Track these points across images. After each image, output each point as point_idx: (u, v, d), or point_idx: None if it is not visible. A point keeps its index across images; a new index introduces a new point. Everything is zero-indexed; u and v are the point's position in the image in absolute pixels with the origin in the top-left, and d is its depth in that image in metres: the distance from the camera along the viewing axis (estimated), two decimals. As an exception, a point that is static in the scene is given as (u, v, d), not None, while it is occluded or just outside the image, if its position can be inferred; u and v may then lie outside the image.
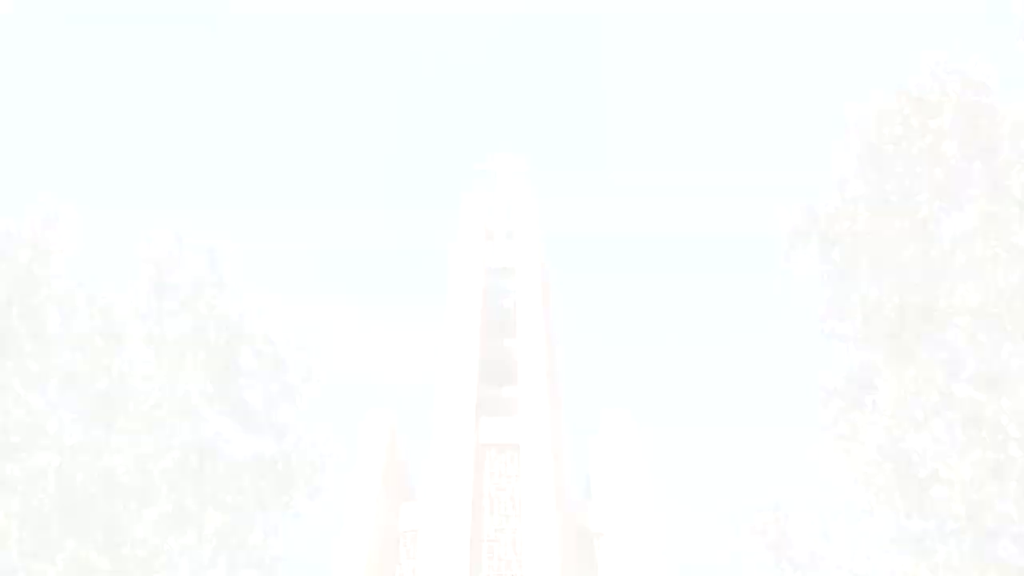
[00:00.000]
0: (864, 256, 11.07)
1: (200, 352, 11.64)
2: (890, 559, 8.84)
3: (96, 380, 9.05)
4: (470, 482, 23.25)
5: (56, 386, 8.93)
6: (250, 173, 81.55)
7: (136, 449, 8.59)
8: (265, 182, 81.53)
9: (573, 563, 23.75)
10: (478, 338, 27.45)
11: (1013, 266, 8.54)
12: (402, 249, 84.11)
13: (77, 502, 8.20)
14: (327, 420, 12.67)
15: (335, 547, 23.62)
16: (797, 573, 9.11)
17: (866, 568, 8.92)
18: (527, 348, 26.93)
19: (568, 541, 23.56)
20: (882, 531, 9.41)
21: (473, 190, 33.10)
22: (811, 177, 12.82)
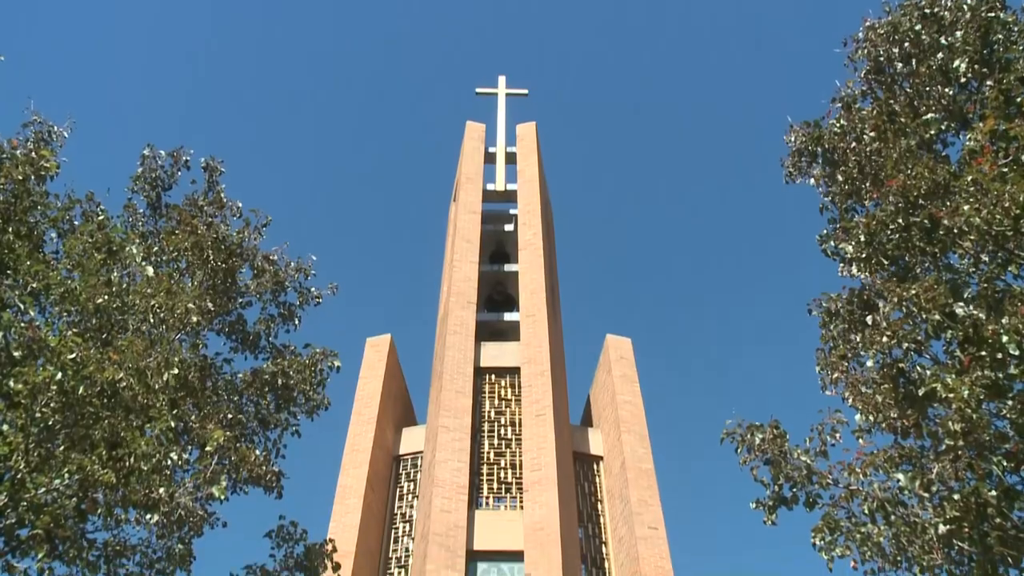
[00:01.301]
0: (869, 177, 10.96)
1: (199, 272, 11.62)
2: (885, 476, 8.93)
3: (95, 296, 9.01)
4: (469, 405, 23.48)
5: (55, 302, 8.90)
6: (250, 98, 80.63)
7: (137, 364, 8.59)
8: (267, 108, 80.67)
9: (573, 487, 24.14)
10: (478, 262, 27.49)
11: (1022, 185, 8.44)
12: (404, 176, 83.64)
13: (80, 416, 8.23)
14: (326, 343, 12.73)
15: (336, 467, 23.98)
16: (794, 489, 9.23)
17: (862, 484, 9.02)
18: (527, 273, 26.96)
19: (567, 465, 23.91)
20: (879, 450, 9.50)
21: (475, 115, 32.81)
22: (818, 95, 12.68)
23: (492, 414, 24.58)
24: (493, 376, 25.39)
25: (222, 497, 9.36)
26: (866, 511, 8.92)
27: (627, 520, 22.75)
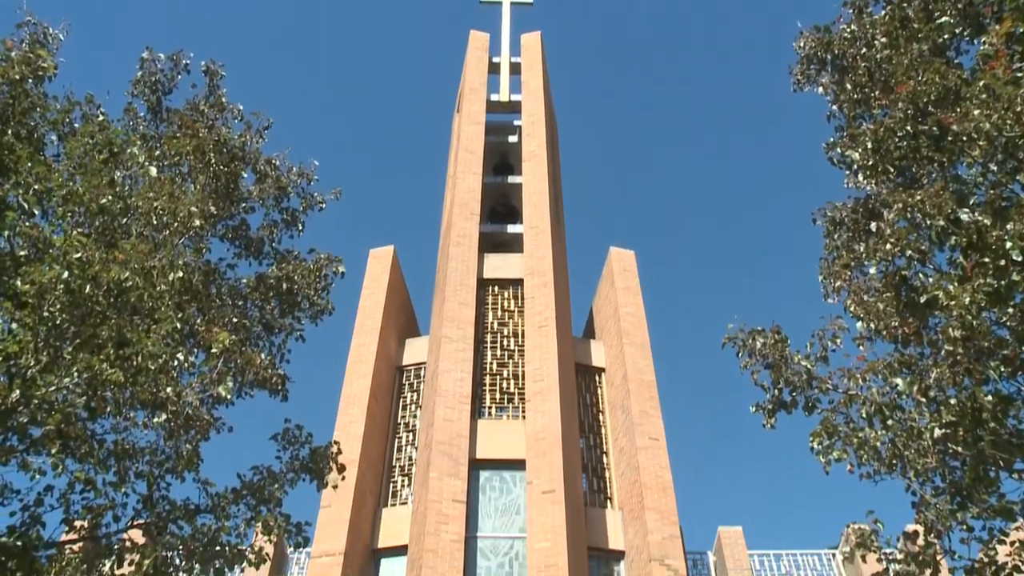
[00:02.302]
0: (879, 84, 10.81)
1: (200, 176, 11.58)
2: (884, 382, 9.03)
3: (98, 197, 8.99)
4: (472, 317, 23.61)
5: (58, 203, 8.89)
6: (251, 5, 79.13)
7: (142, 264, 8.63)
8: (268, 15, 79.25)
9: (574, 398, 24.44)
10: (482, 174, 27.35)
11: (1034, 89, 8.33)
12: (407, 86, 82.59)
13: (87, 315, 8.30)
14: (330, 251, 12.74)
15: (340, 379, 24.26)
16: (794, 393, 9.35)
17: (860, 390, 9.12)
18: (531, 184, 26.84)
19: (569, 376, 24.16)
20: (879, 358, 9.59)
21: (479, 24, 32.17)
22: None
23: (495, 325, 24.75)
24: (496, 288, 25.49)
25: (228, 397, 9.50)
26: (864, 415, 9.05)
27: (628, 431, 23.10)
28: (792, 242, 72.36)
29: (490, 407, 23.05)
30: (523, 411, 22.43)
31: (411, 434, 24.43)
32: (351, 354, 24.65)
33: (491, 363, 23.96)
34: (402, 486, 23.41)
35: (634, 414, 23.01)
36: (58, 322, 8.15)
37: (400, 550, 21.50)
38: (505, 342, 24.37)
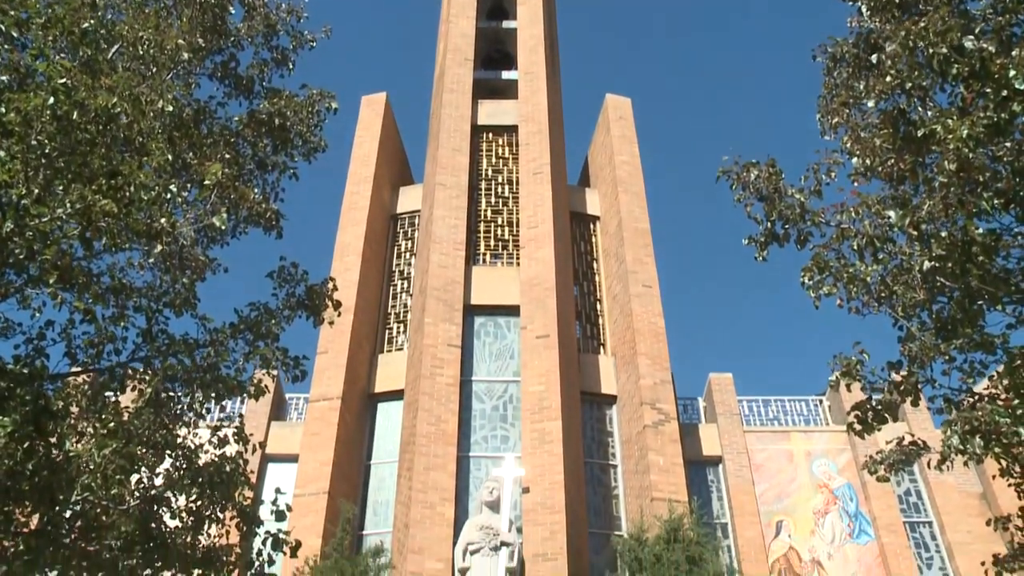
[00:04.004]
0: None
1: (186, 8, 11.24)
2: (877, 217, 9.05)
3: (79, 20, 8.71)
4: (466, 163, 23.46)
5: (39, 28, 8.61)
6: None
7: (131, 90, 8.45)
8: None
9: (569, 245, 24.55)
10: (475, 18, 26.63)
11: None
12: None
13: (76, 143, 8.19)
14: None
15: (334, 229, 24.28)
16: (787, 226, 9.38)
17: (853, 223, 9.15)
18: (526, 28, 26.16)
19: (563, 224, 24.20)
20: (874, 194, 9.58)
21: None
22: None
23: (489, 172, 24.62)
24: (490, 134, 25.22)
25: (223, 227, 9.49)
26: (855, 248, 9.11)
27: (622, 278, 23.33)
28: (792, 95, 71.23)
29: (484, 254, 23.18)
30: (517, 258, 22.58)
31: (406, 281, 24.66)
32: (345, 202, 24.61)
33: (485, 210, 23.96)
34: (398, 332, 23.79)
35: (628, 261, 23.19)
36: (47, 151, 8.04)
37: (396, 394, 22.06)
38: (499, 189, 24.30)
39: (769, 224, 9.44)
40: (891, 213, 8.74)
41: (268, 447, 22.10)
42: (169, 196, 9.01)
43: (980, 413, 8.65)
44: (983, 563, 12.24)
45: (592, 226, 26.11)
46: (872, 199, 9.39)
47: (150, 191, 8.72)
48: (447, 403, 19.39)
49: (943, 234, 8.56)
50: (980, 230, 8.48)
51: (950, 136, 8.36)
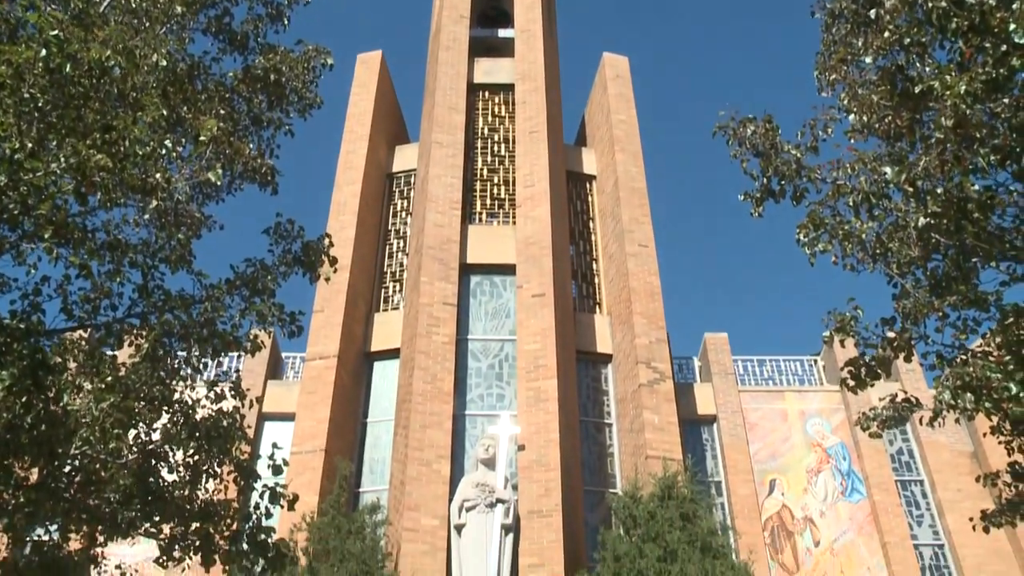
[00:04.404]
0: None
1: (179, -39, 11.09)
2: (873, 173, 9.03)
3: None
4: (462, 122, 23.34)
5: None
6: None
7: (124, 43, 8.37)
8: None
9: (565, 204, 24.51)
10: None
11: None
12: None
13: (70, 97, 8.14)
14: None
15: (330, 189, 24.21)
16: (783, 182, 9.37)
17: (849, 180, 9.15)
18: (523, -15, 25.87)
19: (560, 183, 24.14)
20: (871, 149, 9.57)
21: None
22: None
23: (485, 131, 24.51)
24: (487, 93, 25.07)
25: (218, 182, 9.47)
26: (851, 204, 9.11)
27: (618, 238, 23.32)
28: (789, 52, 70.74)
29: (480, 213, 23.16)
30: (513, 217, 22.56)
31: (402, 241, 24.65)
32: (340, 160, 24.51)
33: (481, 169, 23.89)
34: (394, 292, 23.82)
35: (624, 221, 23.18)
36: (40, 104, 7.99)
37: (393, 353, 22.13)
38: (496, 148, 24.21)
39: (765, 180, 9.42)
40: (887, 169, 8.73)
41: (265, 406, 22.19)
42: (164, 151, 8.98)
43: (972, 369, 8.71)
44: (971, 519, 12.41)
45: (588, 185, 26.05)
46: (869, 156, 9.37)
47: (145, 146, 8.69)
48: (443, 361, 19.47)
49: (939, 191, 8.56)
50: (976, 187, 8.49)
51: (948, 92, 8.33)
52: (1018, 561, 20.90)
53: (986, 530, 11.53)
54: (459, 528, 17.33)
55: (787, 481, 22.75)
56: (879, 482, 22.31)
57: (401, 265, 24.12)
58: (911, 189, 8.66)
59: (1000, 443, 10.85)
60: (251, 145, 10.55)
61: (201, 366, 10.25)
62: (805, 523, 22.06)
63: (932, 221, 8.68)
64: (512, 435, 18.31)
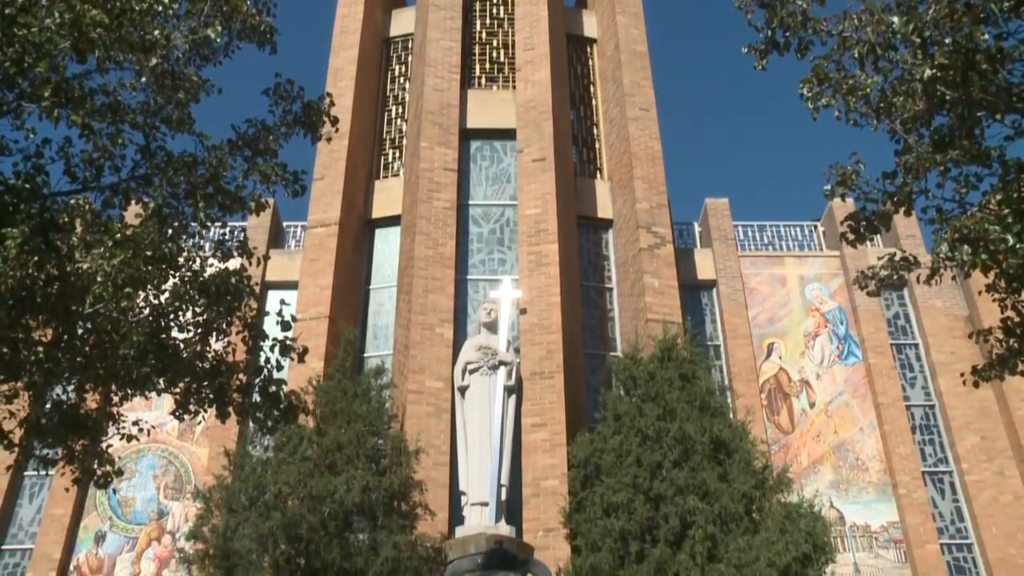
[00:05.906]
0: None
1: None
2: (880, 23, 8.88)
3: None
4: (461, -16, 22.71)
5: None
6: None
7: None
8: None
9: (565, 68, 24.08)
10: None
11: None
12: None
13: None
14: None
15: (327, 56, 23.78)
16: (788, 34, 9.22)
17: (855, 32, 9.00)
18: None
19: (560, 46, 23.69)
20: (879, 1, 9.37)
21: None
22: None
23: (485, -8, 23.92)
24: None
25: (217, 39, 9.34)
26: (856, 56, 8.99)
27: (619, 102, 23.06)
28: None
29: (480, 77, 22.84)
30: (513, 81, 22.26)
31: (401, 107, 24.38)
32: (336, 25, 24.00)
33: (480, 32, 23.43)
34: (393, 158, 23.71)
35: (625, 85, 22.87)
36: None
37: (394, 220, 22.20)
38: (495, 11, 23.68)
39: (770, 32, 9.26)
40: (895, 19, 8.59)
41: (267, 274, 22.40)
42: (161, 8, 8.83)
43: (970, 221, 8.78)
44: (962, 374, 12.68)
45: (589, 49, 25.58)
46: (877, 7, 9.19)
47: (142, 2, 8.54)
48: (444, 227, 19.58)
49: (947, 41, 8.44)
50: (986, 36, 8.35)
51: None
52: (1003, 419, 21.52)
53: (976, 384, 11.77)
54: (463, 390, 17.78)
55: (785, 345, 23.18)
56: (875, 346, 22.73)
57: (401, 131, 23.94)
58: (918, 40, 8.54)
59: (995, 301, 10.98)
60: (248, 1, 10.30)
61: (208, 221, 10.29)
62: (801, 385, 22.59)
63: (939, 73, 8.59)
64: (514, 299, 18.57)
